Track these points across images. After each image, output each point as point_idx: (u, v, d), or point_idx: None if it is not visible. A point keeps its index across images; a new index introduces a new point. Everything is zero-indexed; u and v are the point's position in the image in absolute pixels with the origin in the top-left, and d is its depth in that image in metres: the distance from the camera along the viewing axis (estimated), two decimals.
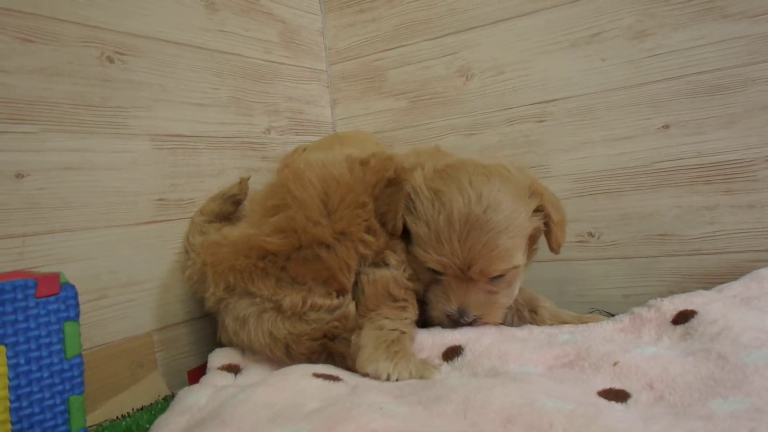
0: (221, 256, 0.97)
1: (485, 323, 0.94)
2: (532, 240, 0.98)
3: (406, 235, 0.97)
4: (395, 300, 0.94)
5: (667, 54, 1.17)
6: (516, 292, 0.99)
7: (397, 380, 0.80)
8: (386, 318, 0.90)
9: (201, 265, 1.00)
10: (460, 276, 0.91)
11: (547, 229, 0.97)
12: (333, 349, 0.91)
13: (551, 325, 0.99)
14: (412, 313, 0.94)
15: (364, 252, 0.96)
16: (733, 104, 1.12)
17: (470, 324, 0.93)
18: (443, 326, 0.95)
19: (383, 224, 0.97)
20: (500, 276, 0.92)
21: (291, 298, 0.91)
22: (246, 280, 0.93)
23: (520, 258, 0.93)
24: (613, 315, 1.03)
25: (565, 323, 1.00)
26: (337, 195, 0.97)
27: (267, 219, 0.97)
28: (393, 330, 0.88)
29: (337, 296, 0.94)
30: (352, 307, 0.93)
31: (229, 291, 0.95)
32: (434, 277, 0.94)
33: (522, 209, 0.92)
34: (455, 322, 0.93)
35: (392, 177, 0.99)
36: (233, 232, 1.00)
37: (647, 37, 1.18)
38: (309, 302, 0.91)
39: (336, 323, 0.91)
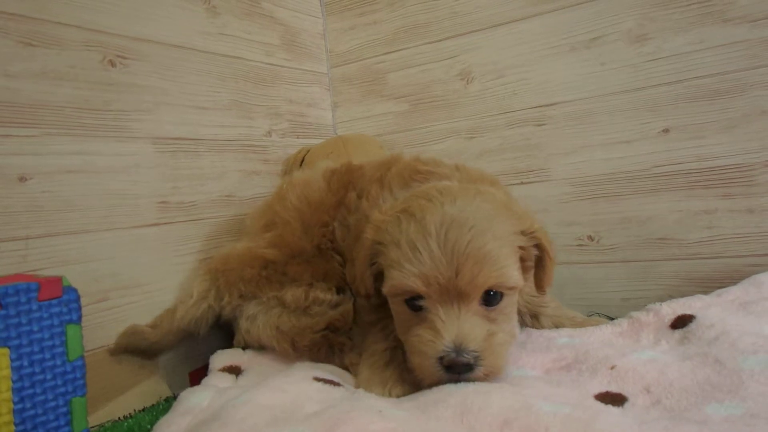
0: (231, 266, 1.03)
1: (489, 371, 0.74)
2: (523, 264, 0.83)
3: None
4: (372, 324, 0.91)
5: (667, 58, 1.17)
6: (516, 330, 0.85)
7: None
8: (375, 344, 0.88)
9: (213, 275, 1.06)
10: (446, 294, 0.75)
11: (538, 260, 0.84)
12: (334, 341, 0.94)
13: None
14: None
15: (342, 270, 1.01)
16: (732, 109, 1.12)
17: (469, 369, 0.72)
18: (433, 383, 0.74)
19: (357, 292, 0.89)
20: (494, 298, 0.77)
21: (293, 293, 0.97)
22: (254, 288, 1.01)
23: (515, 274, 0.78)
24: (612, 318, 1.03)
25: (564, 327, 1.00)
26: (308, 214, 1.04)
27: (262, 235, 1.05)
28: (384, 351, 0.86)
29: (338, 292, 0.99)
30: (350, 305, 0.96)
31: (242, 298, 1.02)
32: (413, 315, 0.78)
33: (505, 219, 0.80)
34: (450, 367, 0.72)
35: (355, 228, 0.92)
36: (238, 245, 1.07)
37: (647, 41, 1.19)
38: (311, 296, 0.97)
39: (338, 316, 0.95)
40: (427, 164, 0.98)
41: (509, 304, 0.80)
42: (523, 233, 0.81)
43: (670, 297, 0.98)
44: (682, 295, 0.99)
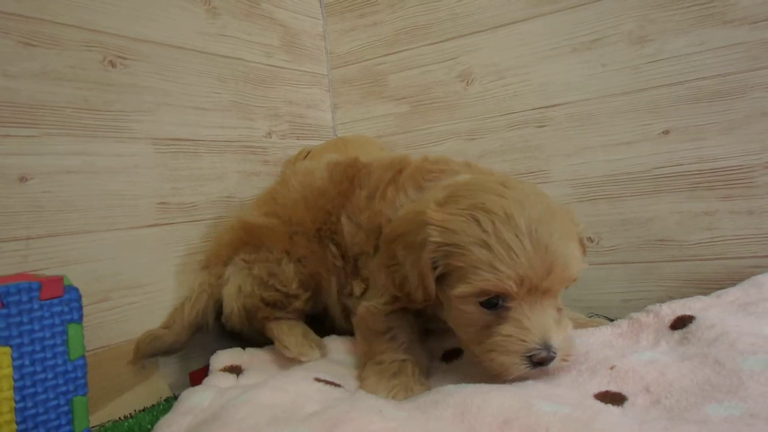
0: (218, 242, 1.11)
1: (565, 358, 0.77)
2: None
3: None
4: (381, 333, 0.89)
5: (668, 60, 1.17)
6: None
7: None
8: (381, 354, 0.87)
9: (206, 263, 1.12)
10: (533, 292, 0.75)
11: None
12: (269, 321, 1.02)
13: None
14: (405, 336, 0.89)
15: (335, 263, 1.05)
16: (733, 110, 1.12)
17: (547, 364, 0.75)
18: (517, 378, 0.75)
19: (408, 297, 0.84)
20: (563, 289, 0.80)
21: (259, 268, 1.03)
22: (231, 251, 1.07)
23: (578, 269, 0.80)
24: (612, 320, 1.03)
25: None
26: (311, 199, 1.08)
27: (260, 209, 1.11)
28: (392, 362, 0.85)
29: (301, 286, 1.03)
30: (300, 303, 1.03)
31: (225, 266, 1.08)
32: (489, 314, 0.78)
33: (565, 213, 0.83)
34: (538, 363, 0.75)
35: (395, 233, 0.87)
36: (243, 217, 1.12)
37: (648, 42, 1.19)
38: (271, 282, 1.02)
39: (282, 300, 1.02)
40: (437, 163, 0.99)
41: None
42: (577, 227, 0.84)
43: (671, 298, 0.98)
44: (683, 296, 0.99)
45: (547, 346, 0.74)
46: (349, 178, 1.08)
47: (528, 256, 0.74)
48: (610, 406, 0.68)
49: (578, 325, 1.01)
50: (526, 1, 1.31)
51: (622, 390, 0.72)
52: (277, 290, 1.02)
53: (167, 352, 1.06)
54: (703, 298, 0.96)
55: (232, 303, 1.05)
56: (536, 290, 0.75)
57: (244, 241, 1.07)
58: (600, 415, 0.61)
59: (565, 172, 1.28)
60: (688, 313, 0.90)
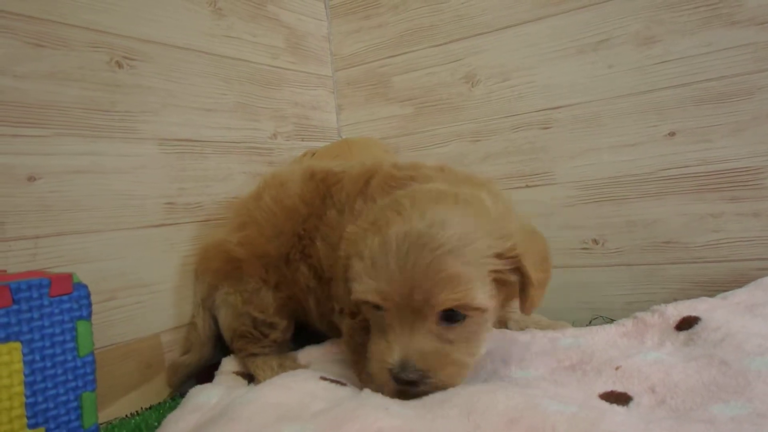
0: (206, 256, 1.10)
1: (436, 386, 0.72)
2: (503, 286, 0.77)
3: None
4: (364, 345, 0.87)
5: (674, 61, 1.17)
6: (481, 350, 0.79)
7: None
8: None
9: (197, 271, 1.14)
10: (404, 310, 0.73)
11: (522, 285, 0.78)
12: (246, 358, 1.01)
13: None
14: None
15: (308, 284, 1.02)
16: (739, 112, 1.12)
17: (415, 385, 0.72)
18: (386, 391, 0.73)
19: (341, 310, 0.91)
20: (455, 317, 0.73)
21: (234, 297, 1.04)
22: (218, 280, 1.07)
23: (481, 296, 0.72)
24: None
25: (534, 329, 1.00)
26: (281, 219, 1.04)
27: (236, 233, 1.07)
28: None
29: (279, 312, 1.03)
30: (278, 334, 1.03)
31: (211, 288, 1.08)
32: (378, 320, 0.77)
33: (483, 237, 0.73)
34: (397, 381, 0.72)
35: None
36: (216, 236, 1.11)
37: (654, 44, 1.19)
38: (245, 309, 1.03)
39: (255, 333, 1.02)
40: (404, 169, 0.93)
41: (475, 324, 0.75)
42: (500, 256, 0.74)
43: (676, 300, 0.98)
44: (688, 298, 0.99)
45: (403, 367, 0.71)
46: (321, 196, 1.02)
47: (390, 273, 0.72)
48: (615, 406, 0.68)
49: (541, 327, 1.01)
50: (532, 3, 1.31)
51: (627, 390, 0.72)
52: (253, 318, 1.02)
53: (199, 370, 1.08)
54: (709, 299, 0.96)
55: (225, 335, 1.07)
56: (407, 308, 0.72)
57: (227, 272, 1.06)
58: (606, 414, 0.60)
59: (570, 173, 1.28)
60: (694, 314, 0.90)
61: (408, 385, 0.72)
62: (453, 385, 0.72)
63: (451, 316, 0.73)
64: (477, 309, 0.73)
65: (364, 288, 0.74)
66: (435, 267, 0.70)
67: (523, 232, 0.78)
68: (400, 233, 0.72)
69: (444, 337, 0.73)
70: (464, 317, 0.73)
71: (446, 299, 0.71)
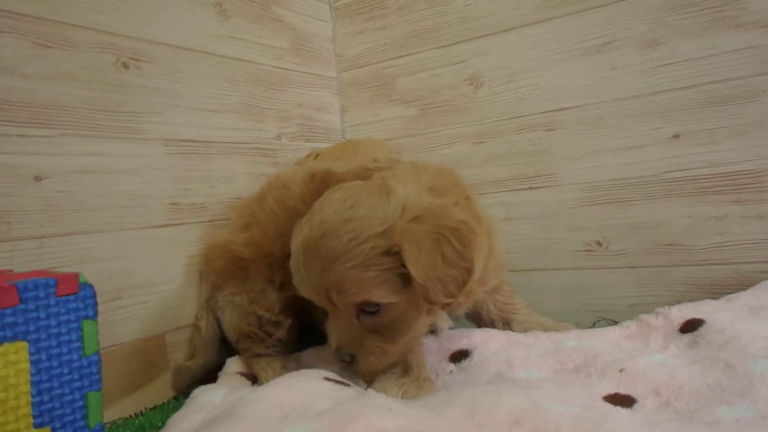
0: (210, 256, 1.10)
1: (362, 369, 0.83)
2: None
3: None
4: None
5: (679, 63, 1.17)
6: (405, 337, 0.84)
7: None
8: None
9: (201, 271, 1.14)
10: (326, 304, 0.83)
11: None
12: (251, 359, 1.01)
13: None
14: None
15: None
16: (744, 114, 1.12)
17: (351, 364, 0.83)
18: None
19: None
20: (370, 309, 0.80)
21: (240, 298, 1.03)
22: (222, 280, 1.06)
23: (379, 293, 0.78)
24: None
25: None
26: (284, 220, 1.03)
27: (241, 233, 1.07)
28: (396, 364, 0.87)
29: (284, 311, 1.02)
30: (282, 333, 1.02)
31: (214, 288, 1.08)
32: None
33: (370, 239, 0.78)
34: (340, 360, 0.85)
35: None
36: (220, 236, 1.11)
37: (659, 46, 1.19)
38: (251, 309, 1.02)
39: (260, 333, 1.02)
40: (380, 168, 0.96)
41: (391, 314, 0.81)
42: (387, 253, 0.78)
43: (680, 303, 0.98)
44: (691, 301, 0.99)
45: (338, 350, 0.84)
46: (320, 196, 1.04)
47: (301, 276, 0.83)
48: (619, 408, 0.69)
49: (545, 329, 1.01)
50: (536, 5, 1.31)
51: (631, 392, 0.72)
52: (259, 317, 1.02)
53: (204, 373, 1.07)
54: (713, 302, 0.96)
55: (229, 336, 1.06)
56: (329, 303, 0.82)
57: (232, 272, 1.06)
58: (610, 416, 0.61)
59: (574, 175, 1.28)
60: (698, 316, 0.90)
61: (348, 363, 0.83)
62: (377, 369, 0.84)
63: (367, 309, 0.81)
64: (382, 303, 0.80)
65: (296, 286, 0.86)
66: (326, 274, 0.79)
67: (418, 226, 0.78)
68: (301, 241, 0.83)
69: (366, 326, 0.82)
70: (378, 309, 0.80)
71: (343, 301, 0.80)
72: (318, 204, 0.85)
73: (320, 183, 1.04)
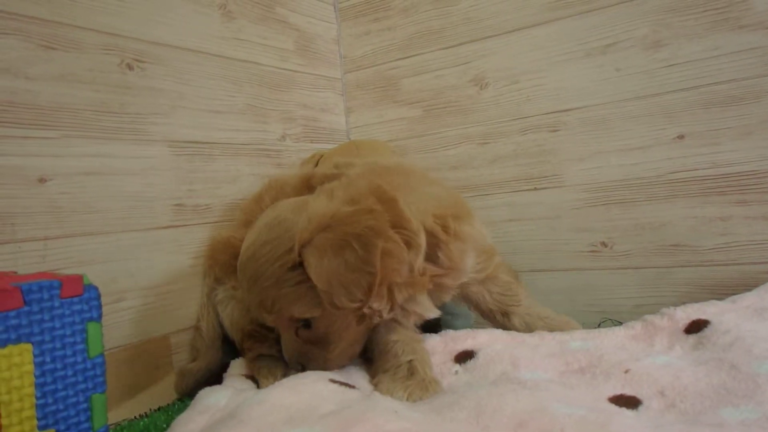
0: (213, 251, 1.11)
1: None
2: None
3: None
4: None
5: (682, 64, 1.17)
6: (341, 348, 0.88)
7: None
8: (386, 362, 0.89)
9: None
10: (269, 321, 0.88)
11: None
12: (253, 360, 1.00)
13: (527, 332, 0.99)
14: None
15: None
16: (748, 115, 1.12)
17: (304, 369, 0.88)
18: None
19: None
20: (304, 323, 0.85)
21: (241, 292, 1.00)
22: (224, 273, 1.07)
23: (298, 308, 0.82)
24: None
25: (536, 327, 1.00)
26: None
27: (241, 230, 1.06)
28: (399, 366, 0.87)
29: None
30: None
31: (216, 281, 1.09)
32: None
33: (281, 255, 0.81)
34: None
35: None
36: (224, 232, 1.12)
37: (662, 47, 1.19)
38: None
39: (262, 331, 0.99)
40: (338, 167, 1.02)
41: (323, 327, 0.85)
42: (294, 268, 0.81)
43: (684, 304, 0.98)
44: (697, 302, 0.98)
45: (290, 360, 0.89)
46: None
47: (243, 293, 0.88)
48: (624, 409, 0.68)
49: (547, 325, 1.01)
50: (540, 6, 1.31)
51: (636, 393, 0.72)
52: None
53: (207, 376, 1.07)
54: (718, 302, 0.95)
55: (232, 335, 1.06)
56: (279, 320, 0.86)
57: (234, 267, 1.03)
58: (615, 417, 0.60)
59: (578, 176, 1.28)
60: (703, 317, 0.89)
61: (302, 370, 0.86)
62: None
63: (301, 323, 0.85)
64: (306, 317, 0.84)
65: None
66: (252, 294, 0.85)
67: (322, 235, 0.79)
68: (240, 262, 0.87)
69: (305, 338, 0.87)
70: (309, 323, 0.85)
71: (270, 319, 0.86)
72: (264, 222, 0.88)
73: (317, 184, 1.04)
